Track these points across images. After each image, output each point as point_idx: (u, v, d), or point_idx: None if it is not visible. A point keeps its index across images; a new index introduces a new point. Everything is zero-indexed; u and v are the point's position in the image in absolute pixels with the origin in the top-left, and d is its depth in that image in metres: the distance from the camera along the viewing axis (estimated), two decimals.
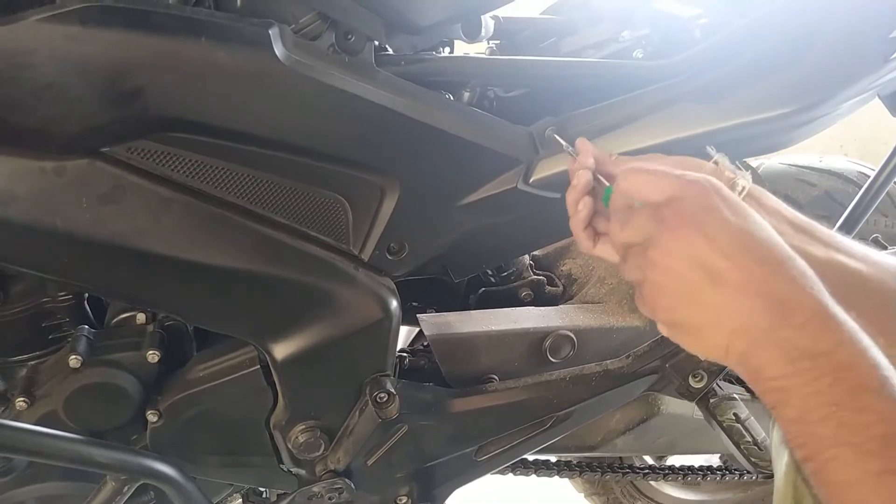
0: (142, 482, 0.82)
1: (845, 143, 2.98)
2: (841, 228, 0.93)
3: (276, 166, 0.74)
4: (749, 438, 0.82)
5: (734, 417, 0.83)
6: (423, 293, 1.09)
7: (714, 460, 1.48)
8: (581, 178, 0.68)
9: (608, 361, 0.93)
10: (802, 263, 0.50)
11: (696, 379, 0.87)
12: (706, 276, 0.51)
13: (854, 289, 0.61)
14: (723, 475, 1.34)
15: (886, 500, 0.43)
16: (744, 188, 0.62)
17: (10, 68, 0.60)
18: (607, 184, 0.65)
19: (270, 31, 0.66)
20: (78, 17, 0.60)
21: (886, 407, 0.45)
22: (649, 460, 1.46)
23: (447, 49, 0.99)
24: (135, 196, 0.70)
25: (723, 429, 0.84)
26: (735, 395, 0.86)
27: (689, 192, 0.53)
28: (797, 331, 0.48)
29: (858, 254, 0.65)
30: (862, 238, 1.01)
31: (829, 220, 1.13)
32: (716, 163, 0.64)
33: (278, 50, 0.67)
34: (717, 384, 0.87)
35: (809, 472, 0.47)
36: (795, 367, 0.47)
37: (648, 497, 1.52)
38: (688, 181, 0.54)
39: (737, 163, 0.65)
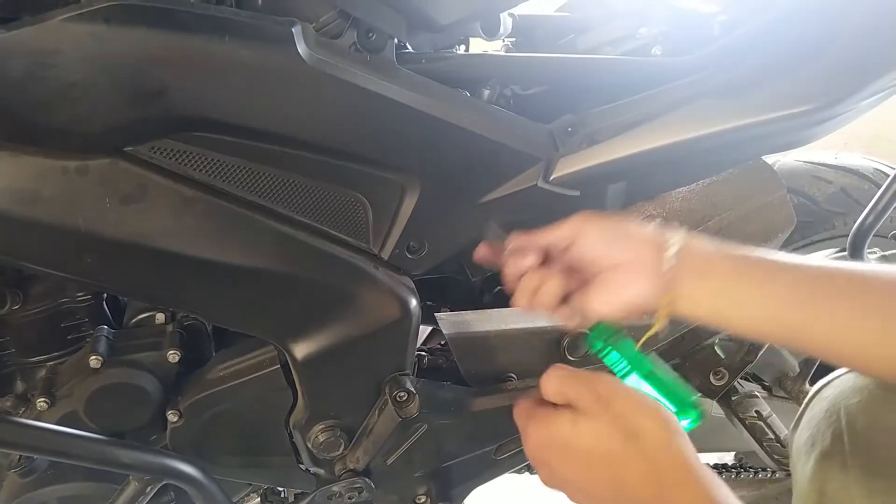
0: (164, 482, 0.82)
1: (850, 139, 2.97)
2: (861, 225, 0.92)
3: (297, 165, 0.74)
4: (772, 435, 0.81)
5: (756, 415, 0.83)
6: (439, 292, 1.09)
7: (728, 458, 1.48)
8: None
9: None
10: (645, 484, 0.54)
11: (717, 377, 0.86)
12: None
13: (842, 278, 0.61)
14: (738, 473, 1.34)
15: None
16: (678, 251, 0.63)
17: (36, 68, 0.60)
18: None
19: (293, 30, 0.66)
20: (102, 16, 0.60)
21: None
22: None
23: (463, 47, 0.98)
24: (157, 195, 0.69)
25: (745, 426, 0.83)
26: (756, 393, 0.86)
27: (530, 442, 0.62)
28: None
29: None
30: (881, 235, 1.01)
31: (845, 216, 1.13)
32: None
33: (301, 48, 0.66)
34: (737, 382, 0.87)
35: None
36: None
37: None
38: (529, 428, 0.62)
39: (659, 222, 0.67)
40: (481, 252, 0.74)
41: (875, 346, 0.58)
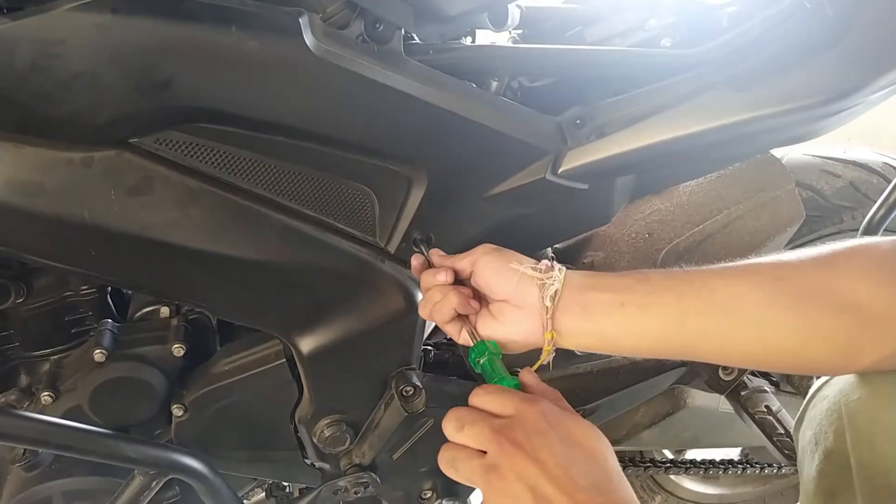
0: (169, 477, 0.81)
1: (853, 133, 2.95)
2: (872, 220, 0.92)
3: (304, 157, 0.73)
4: (782, 430, 0.80)
5: (766, 409, 0.82)
6: None
7: (734, 454, 1.48)
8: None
9: None
10: (622, 483, 0.54)
11: (727, 372, 0.86)
12: (535, 499, 0.53)
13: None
14: (744, 469, 1.33)
15: None
16: (556, 291, 0.65)
17: (41, 58, 0.59)
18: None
19: (301, 20, 0.65)
20: (109, 5, 0.59)
21: None
22: (669, 454, 1.45)
23: (470, 38, 0.98)
24: (163, 188, 0.69)
25: (755, 421, 0.83)
26: (766, 388, 0.85)
27: (526, 415, 0.57)
28: None
29: None
30: (892, 230, 1.00)
31: (854, 210, 1.12)
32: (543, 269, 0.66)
33: (308, 39, 0.66)
34: (746, 377, 0.86)
35: None
36: None
37: (668, 491, 1.51)
38: (525, 403, 0.58)
39: (546, 262, 0.68)
40: (413, 264, 0.77)
41: (757, 353, 0.61)
